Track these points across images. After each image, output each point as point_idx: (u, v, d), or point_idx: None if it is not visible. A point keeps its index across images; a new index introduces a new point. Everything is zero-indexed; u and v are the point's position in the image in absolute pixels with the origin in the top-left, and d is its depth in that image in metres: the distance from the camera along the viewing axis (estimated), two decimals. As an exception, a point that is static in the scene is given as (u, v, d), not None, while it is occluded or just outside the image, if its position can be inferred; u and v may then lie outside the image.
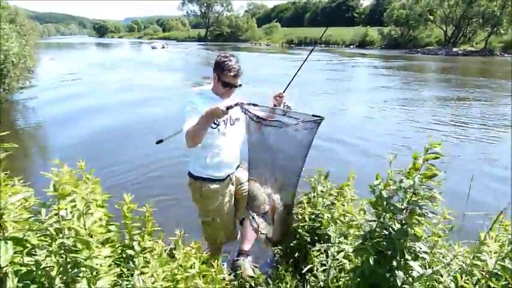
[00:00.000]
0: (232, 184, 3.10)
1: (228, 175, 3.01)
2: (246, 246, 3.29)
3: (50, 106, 12.20)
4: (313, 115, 2.20)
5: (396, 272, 2.10)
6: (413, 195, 1.83)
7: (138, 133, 9.04)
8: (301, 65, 2.85)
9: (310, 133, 2.23)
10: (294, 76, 2.90)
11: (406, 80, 21.08)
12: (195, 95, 2.86)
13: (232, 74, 2.77)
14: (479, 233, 2.18)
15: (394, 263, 2.10)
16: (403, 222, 1.93)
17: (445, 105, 13.31)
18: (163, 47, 55.92)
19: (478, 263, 2.01)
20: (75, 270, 1.81)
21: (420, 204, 1.84)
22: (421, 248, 2.02)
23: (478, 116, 11.57)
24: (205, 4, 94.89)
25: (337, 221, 2.78)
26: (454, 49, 46.75)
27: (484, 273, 1.95)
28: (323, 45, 63.55)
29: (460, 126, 10.23)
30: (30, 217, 1.83)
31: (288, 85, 2.89)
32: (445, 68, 29.16)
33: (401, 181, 1.88)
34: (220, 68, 2.79)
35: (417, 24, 54.82)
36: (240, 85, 2.85)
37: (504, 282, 1.97)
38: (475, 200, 3.69)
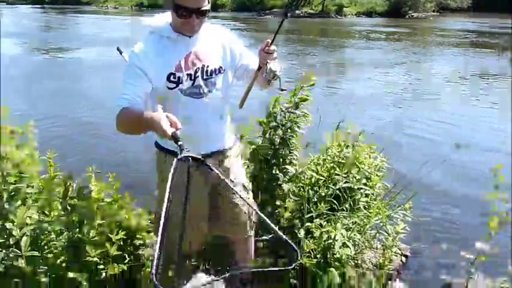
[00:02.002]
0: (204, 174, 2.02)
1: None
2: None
3: None
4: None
5: (277, 175, 2.97)
6: (291, 115, 2.67)
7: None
8: (277, 30, 2.17)
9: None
10: (277, 32, 2.17)
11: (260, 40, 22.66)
12: (144, 38, 1.98)
13: None
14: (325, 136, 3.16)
15: (276, 169, 2.95)
16: (283, 136, 2.77)
17: (294, 62, 15.11)
18: None
19: (328, 157, 3.03)
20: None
21: (296, 120, 2.70)
22: (296, 155, 2.92)
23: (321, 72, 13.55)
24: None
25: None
26: (297, 12, 50.97)
27: (333, 163, 2.96)
28: (175, 8, 62.16)
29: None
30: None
31: (274, 38, 2.12)
32: (293, 29, 31.97)
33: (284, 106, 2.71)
34: None
35: (263, -13, 57.62)
36: (207, 11, 1.88)
37: (346, 170, 3.01)
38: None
